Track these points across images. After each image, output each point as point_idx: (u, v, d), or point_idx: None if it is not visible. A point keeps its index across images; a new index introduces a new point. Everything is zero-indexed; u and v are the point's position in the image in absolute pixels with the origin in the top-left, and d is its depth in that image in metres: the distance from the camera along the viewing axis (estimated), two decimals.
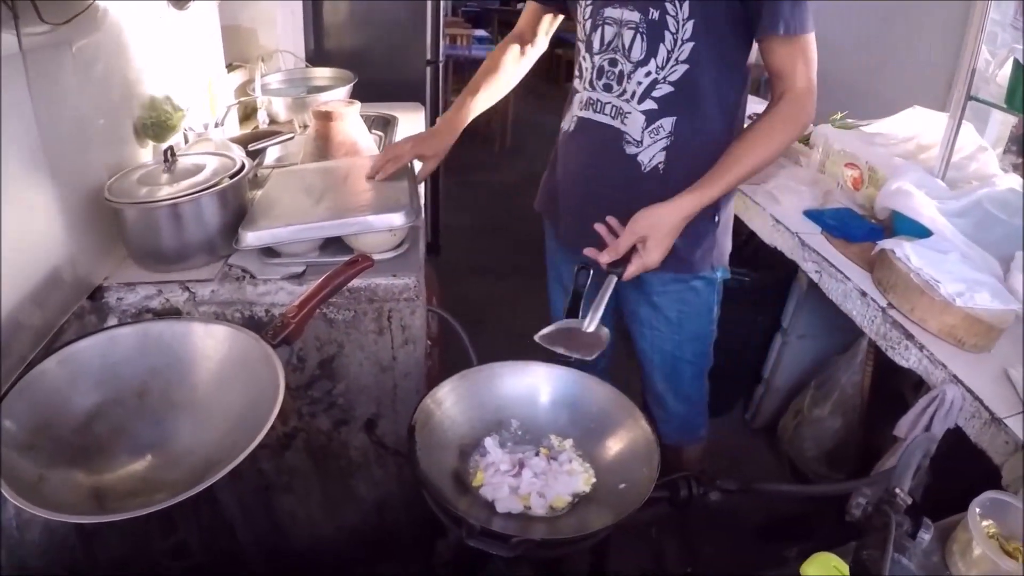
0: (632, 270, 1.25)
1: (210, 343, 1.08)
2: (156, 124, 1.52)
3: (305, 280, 1.39)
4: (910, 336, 1.45)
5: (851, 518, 0.86)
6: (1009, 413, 1.23)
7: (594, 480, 1.11)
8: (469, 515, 0.94)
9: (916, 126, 2.14)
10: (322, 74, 2.28)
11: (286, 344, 1.06)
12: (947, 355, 1.38)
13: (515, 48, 1.59)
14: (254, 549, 1.38)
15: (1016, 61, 1.76)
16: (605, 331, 1.22)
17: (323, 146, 1.69)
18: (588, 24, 1.35)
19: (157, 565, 1.18)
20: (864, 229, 1.82)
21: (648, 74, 1.30)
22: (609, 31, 1.31)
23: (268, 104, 2.06)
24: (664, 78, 1.29)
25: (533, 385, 1.23)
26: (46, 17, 1.12)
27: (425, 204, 1.87)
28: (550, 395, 1.22)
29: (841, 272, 1.67)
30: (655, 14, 1.25)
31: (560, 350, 1.20)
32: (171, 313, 1.39)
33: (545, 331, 1.22)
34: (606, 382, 1.20)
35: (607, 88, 1.35)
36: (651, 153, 1.35)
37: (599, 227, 1.29)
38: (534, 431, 1.20)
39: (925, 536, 0.79)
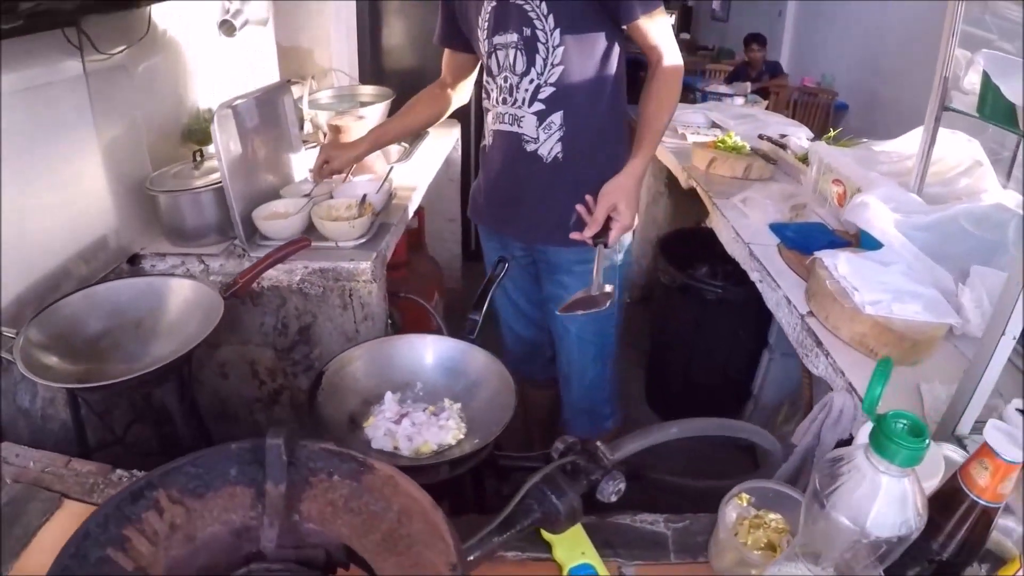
0: (614, 234, 1.54)
1: (185, 292, 1.56)
2: (198, 130, 2.04)
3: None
4: (820, 343, 1.51)
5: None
6: None
7: (461, 436, 1.45)
8: (342, 441, 1.32)
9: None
10: (367, 91, 2.74)
11: (235, 298, 1.51)
12: (853, 364, 1.42)
13: (431, 90, 1.95)
14: None
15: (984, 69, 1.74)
16: (610, 287, 1.49)
17: None
18: (486, 53, 1.66)
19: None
20: (824, 242, 1.89)
21: (532, 81, 1.61)
22: (500, 54, 1.63)
23: (314, 117, 2.56)
24: (545, 81, 1.60)
25: (441, 354, 1.58)
26: (104, 48, 1.65)
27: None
28: (452, 364, 1.56)
29: (775, 280, 1.77)
30: (528, 32, 1.56)
31: (579, 312, 1.51)
32: (190, 279, 1.88)
33: (565, 303, 1.53)
34: (494, 357, 1.54)
35: (504, 101, 1.67)
36: (548, 146, 1.66)
37: (579, 208, 1.57)
38: (433, 393, 1.55)
39: (609, 485, 0.97)
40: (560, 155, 1.67)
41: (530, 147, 1.68)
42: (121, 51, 1.72)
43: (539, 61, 1.59)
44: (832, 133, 2.48)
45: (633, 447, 0.99)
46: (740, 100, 3.99)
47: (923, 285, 1.54)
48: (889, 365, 1.08)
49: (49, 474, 1.17)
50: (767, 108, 4.11)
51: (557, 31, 1.55)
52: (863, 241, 1.84)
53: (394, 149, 2.57)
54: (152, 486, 0.78)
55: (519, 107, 1.65)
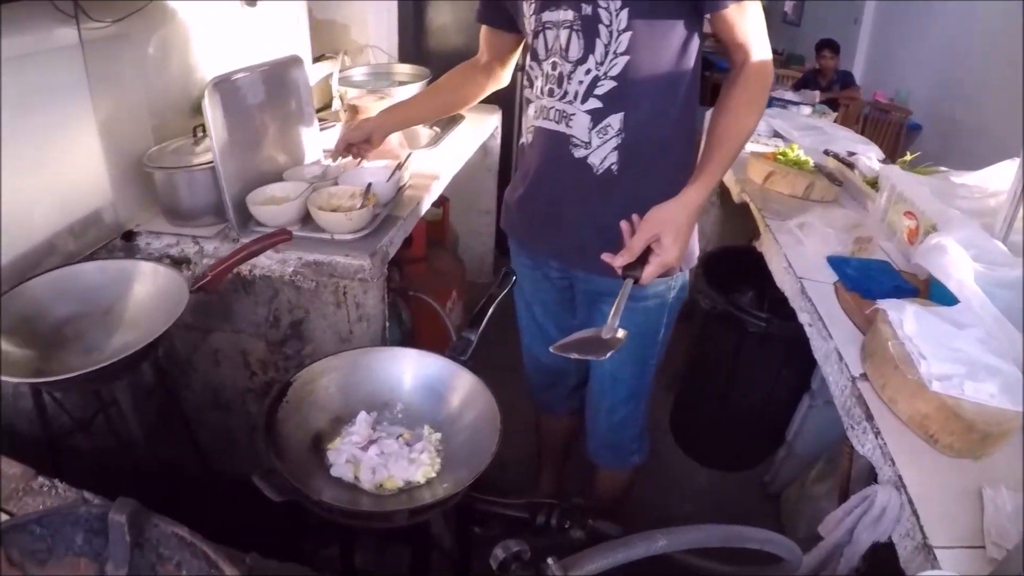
0: (651, 270, 1.26)
1: (158, 280, 1.45)
2: None
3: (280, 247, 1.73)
4: (870, 416, 1.27)
5: None
6: (949, 543, 1.02)
7: (433, 475, 1.31)
8: (280, 463, 1.20)
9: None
10: (403, 70, 2.63)
11: (203, 292, 1.41)
12: (908, 450, 1.19)
13: (464, 69, 1.70)
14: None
15: None
16: (623, 332, 1.23)
17: None
18: (531, 32, 1.41)
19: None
20: (888, 287, 1.65)
21: (588, 72, 1.33)
22: (550, 35, 1.36)
23: (344, 94, 2.44)
24: (605, 73, 1.32)
25: (426, 374, 1.45)
26: (101, 16, 1.55)
27: None
28: (437, 386, 1.43)
29: (827, 328, 1.54)
30: (588, 9, 1.29)
31: (573, 355, 1.27)
32: (184, 261, 1.80)
33: (562, 341, 1.27)
34: (484, 385, 1.37)
35: (551, 93, 1.40)
36: (602, 154, 1.39)
37: (624, 225, 1.30)
38: (413, 417, 1.42)
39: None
40: (615, 167, 1.40)
41: (579, 152, 1.41)
42: (120, 20, 1.62)
43: (599, 47, 1.32)
44: (908, 157, 2.22)
45: (596, 567, 0.78)
46: (807, 109, 3.71)
47: (1002, 359, 1.28)
48: None
49: None
50: (836, 121, 3.82)
51: (624, 12, 1.28)
52: (933, 291, 1.61)
53: (424, 133, 2.45)
54: None
55: (569, 102, 1.38)
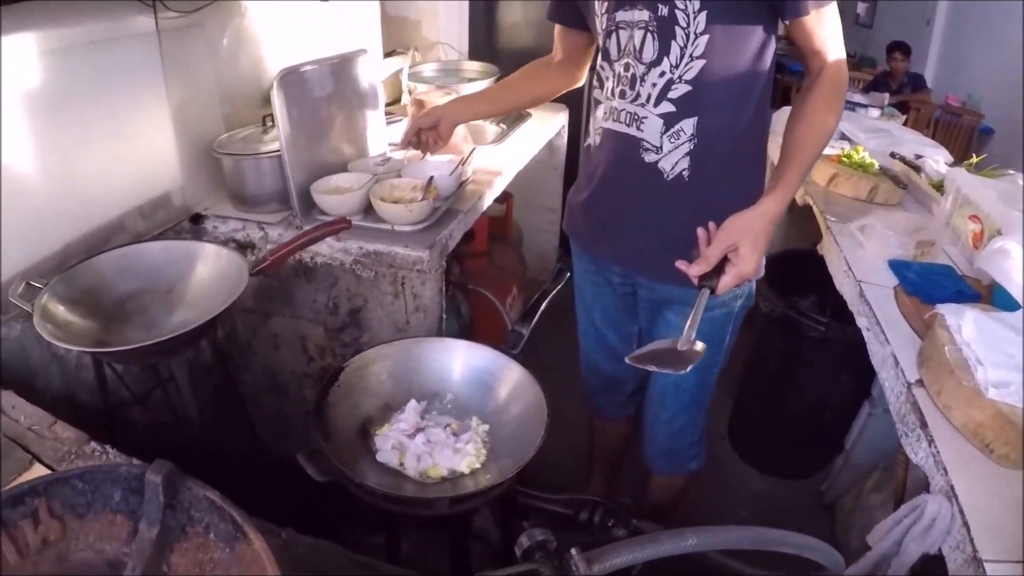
0: (727, 280, 1.21)
1: (219, 262, 1.48)
2: None
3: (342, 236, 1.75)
4: (924, 424, 1.22)
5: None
6: (1000, 557, 0.98)
7: (477, 465, 1.30)
8: (326, 444, 1.22)
9: None
10: (472, 67, 2.63)
11: (263, 275, 1.43)
12: (961, 460, 1.14)
13: (537, 66, 1.67)
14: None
15: None
16: (701, 345, 1.19)
17: None
18: (603, 31, 1.37)
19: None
20: (949, 292, 1.61)
21: (662, 74, 1.29)
22: (623, 35, 1.32)
23: (413, 89, 2.47)
24: (680, 77, 1.28)
25: (478, 367, 1.45)
26: (176, 6, 1.60)
27: None
28: (486, 377, 1.43)
29: (884, 333, 1.49)
30: (664, 10, 1.25)
31: (652, 367, 1.25)
32: (249, 245, 1.84)
33: (637, 352, 1.24)
34: (533, 378, 1.36)
35: (622, 95, 1.36)
36: (673, 160, 1.35)
37: (700, 232, 1.25)
38: (462, 408, 1.42)
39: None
40: (686, 173, 1.35)
41: (649, 157, 1.36)
42: (196, 10, 1.66)
43: (675, 49, 1.27)
44: (974, 159, 2.11)
45: (621, 561, 0.76)
46: (875, 112, 3.57)
47: None
48: None
49: (33, 432, 1.15)
50: (905, 124, 3.68)
51: (703, 15, 1.23)
52: (996, 297, 1.55)
53: (490, 129, 2.45)
54: (35, 493, 0.71)
55: (641, 104, 1.33)
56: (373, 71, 1.94)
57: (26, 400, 1.22)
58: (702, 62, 1.27)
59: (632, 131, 1.37)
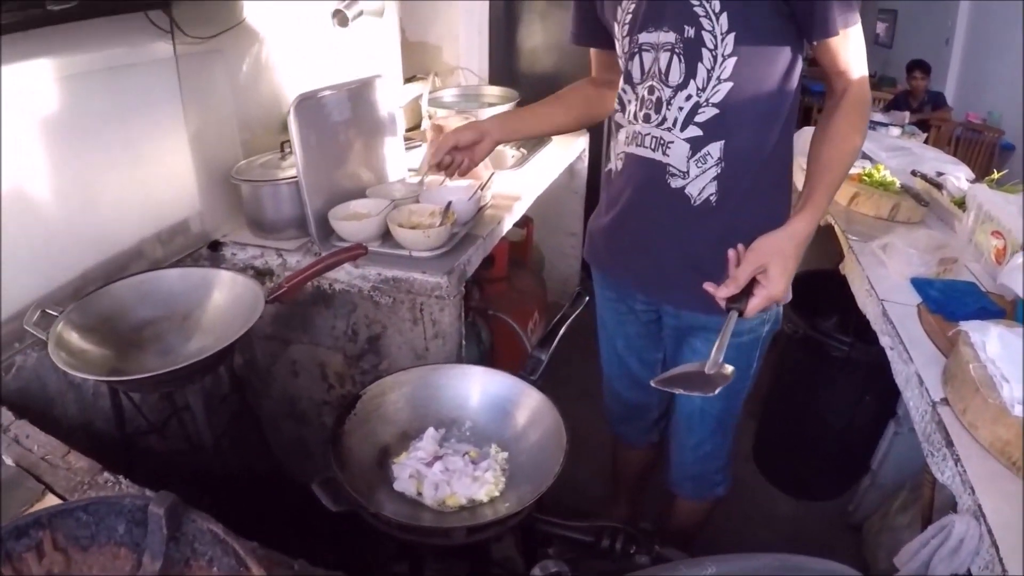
0: (756, 303, 1.19)
1: (235, 288, 1.46)
2: None
3: (360, 263, 1.74)
4: (950, 443, 1.20)
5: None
6: None
7: (496, 494, 1.27)
8: (342, 473, 1.19)
9: None
10: (492, 92, 2.61)
11: (280, 302, 1.42)
12: (988, 478, 1.12)
13: (584, 88, 1.63)
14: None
15: None
16: (729, 368, 1.17)
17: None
18: (626, 54, 1.34)
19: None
20: (973, 308, 1.59)
21: (688, 98, 1.26)
22: (647, 57, 1.30)
23: (433, 114, 2.47)
24: (707, 100, 1.25)
25: (496, 394, 1.42)
26: (195, 32, 1.60)
27: None
28: (510, 408, 1.39)
29: (907, 351, 1.46)
30: (691, 31, 1.22)
31: (679, 391, 1.23)
32: (268, 273, 1.84)
33: (663, 376, 1.22)
34: (551, 404, 1.34)
35: (647, 119, 1.33)
36: (700, 185, 1.31)
37: (731, 254, 1.22)
38: (480, 436, 1.39)
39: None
40: (714, 198, 1.31)
41: (676, 183, 1.33)
42: (213, 36, 1.67)
43: (701, 72, 1.24)
44: (995, 175, 2.08)
45: None
46: (896, 131, 3.52)
47: None
48: None
49: (46, 462, 1.13)
50: (926, 142, 3.64)
51: (731, 37, 1.20)
52: (1020, 312, 1.53)
53: (509, 153, 2.44)
54: (39, 525, 0.69)
55: (668, 129, 1.30)
56: (391, 96, 1.94)
57: (42, 429, 1.21)
58: (729, 84, 1.24)
59: (657, 156, 1.33)
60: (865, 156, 2.70)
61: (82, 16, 1.36)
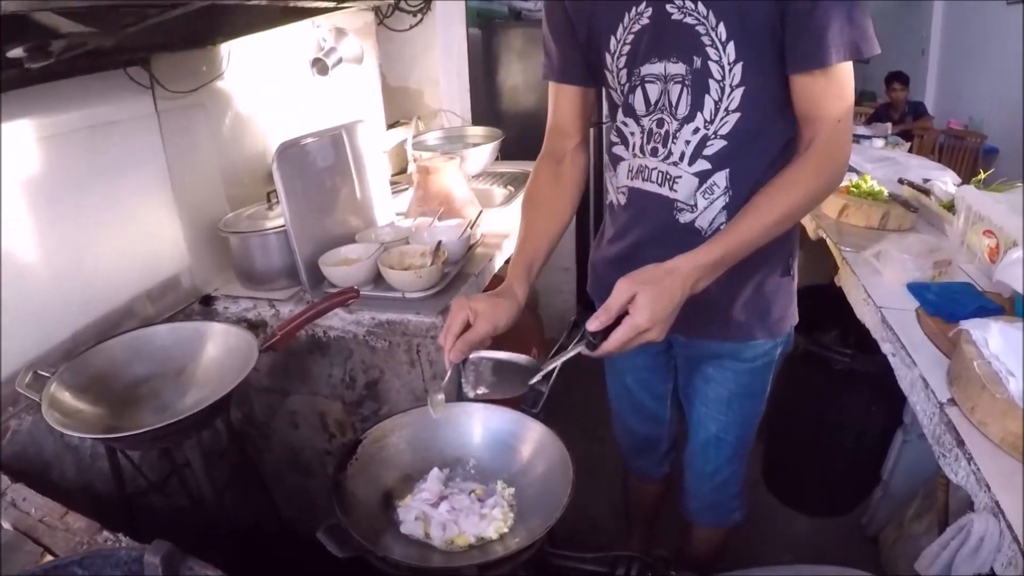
0: (620, 332, 1.07)
1: (227, 340, 1.46)
2: None
3: (353, 308, 1.74)
4: (961, 442, 1.18)
5: None
6: None
7: (505, 530, 1.25)
8: (347, 519, 1.17)
9: None
10: (475, 132, 2.65)
11: (274, 350, 1.41)
12: (1003, 474, 1.10)
13: (544, 175, 1.43)
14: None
15: None
16: (544, 387, 1.17)
17: (423, 196, 2.05)
18: (625, 86, 1.29)
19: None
20: (971, 308, 1.57)
21: (696, 131, 1.22)
22: (653, 89, 1.25)
23: (418, 158, 2.50)
24: (715, 132, 1.21)
25: (498, 429, 1.40)
26: (176, 87, 1.62)
27: None
28: (514, 442, 1.38)
29: (910, 356, 1.44)
30: (698, 63, 1.17)
31: (482, 389, 1.28)
32: (261, 324, 1.83)
33: (482, 354, 1.21)
34: (555, 435, 1.33)
35: (653, 152, 1.28)
36: (709, 216, 1.27)
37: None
38: (486, 473, 1.37)
39: None
40: (724, 227, 1.26)
41: (685, 217, 1.29)
42: (194, 90, 1.70)
43: (708, 104, 1.20)
44: (982, 175, 2.10)
45: None
46: (879, 142, 3.57)
47: None
48: None
49: (44, 524, 1.11)
50: (910, 151, 3.69)
51: (739, 67, 1.16)
52: (1019, 307, 1.55)
53: (498, 192, 2.46)
54: None
55: (675, 163, 1.26)
56: (374, 140, 1.96)
57: (40, 492, 1.19)
58: (737, 115, 1.20)
59: (665, 191, 1.29)
60: (851, 169, 2.73)
61: (61, 75, 1.37)
